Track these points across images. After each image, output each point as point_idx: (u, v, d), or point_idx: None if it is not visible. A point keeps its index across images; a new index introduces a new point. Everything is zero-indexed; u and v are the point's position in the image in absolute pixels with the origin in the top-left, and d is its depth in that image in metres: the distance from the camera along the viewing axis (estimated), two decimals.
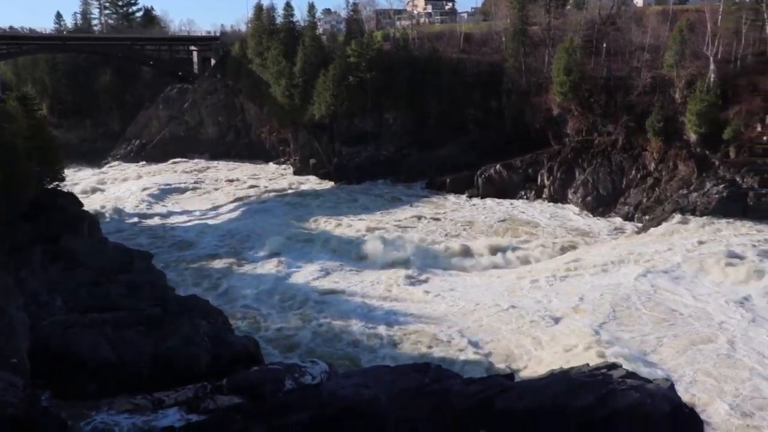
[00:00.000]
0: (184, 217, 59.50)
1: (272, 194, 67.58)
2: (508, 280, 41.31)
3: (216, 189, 70.45)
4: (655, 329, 32.27)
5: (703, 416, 19.76)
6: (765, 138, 51.19)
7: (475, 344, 31.80)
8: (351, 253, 47.58)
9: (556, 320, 33.83)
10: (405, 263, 44.86)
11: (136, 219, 58.76)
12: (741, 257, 40.05)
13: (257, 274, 43.08)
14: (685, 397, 21.00)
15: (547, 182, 61.77)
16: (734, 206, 48.04)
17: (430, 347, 31.84)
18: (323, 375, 22.36)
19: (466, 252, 47.32)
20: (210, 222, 57.39)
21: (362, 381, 19.76)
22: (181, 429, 18.40)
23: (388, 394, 18.15)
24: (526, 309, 35.37)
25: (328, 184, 70.96)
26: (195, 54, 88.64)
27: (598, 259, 42.98)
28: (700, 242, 43.62)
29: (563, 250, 47.30)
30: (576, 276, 40.54)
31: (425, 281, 41.62)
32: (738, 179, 49.85)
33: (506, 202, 60.81)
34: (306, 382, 21.39)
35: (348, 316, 35.50)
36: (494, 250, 47.24)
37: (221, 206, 63.05)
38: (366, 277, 42.39)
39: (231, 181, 73.81)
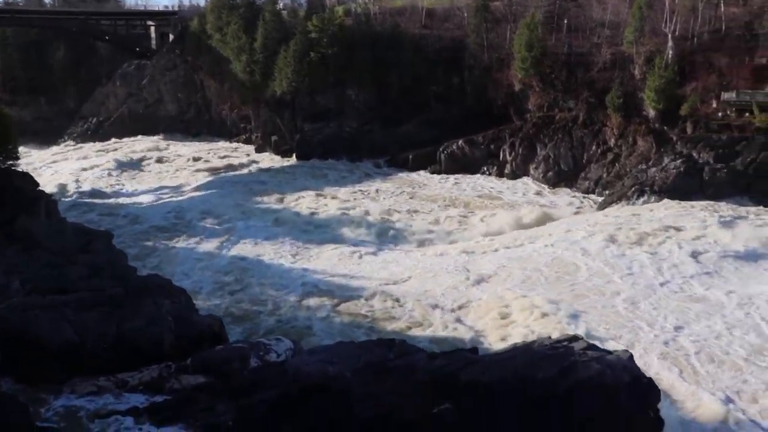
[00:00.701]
0: (138, 195, 58.50)
1: (231, 171, 66.81)
2: (444, 252, 42.38)
3: (173, 166, 69.06)
4: (557, 286, 35.28)
5: None
6: (720, 114, 52.25)
7: (409, 313, 32.82)
8: (304, 229, 47.74)
9: (477, 284, 35.93)
10: (354, 238, 45.61)
11: (87, 197, 57.39)
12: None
13: (204, 250, 42.83)
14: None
15: (509, 158, 62.26)
16: (691, 181, 49.12)
17: (369, 317, 32.52)
18: (288, 352, 22.35)
19: (412, 226, 47.90)
20: (164, 199, 56.66)
21: (327, 357, 19.87)
22: (146, 410, 18.30)
23: (353, 369, 18.28)
24: (451, 277, 37.06)
25: (289, 162, 70.51)
26: (152, 29, 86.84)
27: (527, 234, 44.83)
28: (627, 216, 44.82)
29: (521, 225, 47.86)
30: (503, 248, 42.24)
31: (374, 254, 42.19)
32: (694, 154, 50.87)
33: (473, 178, 61.41)
34: (271, 360, 21.39)
35: (293, 290, 35.79)
36: (436, 224, 48.23)
37: (178, 184, 61.99)
38: (316, 251, 42.64)
39: (189, 158, 72.21)
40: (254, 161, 71.01)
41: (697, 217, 43.85)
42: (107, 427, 17.71)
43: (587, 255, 38.92)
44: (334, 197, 55.86)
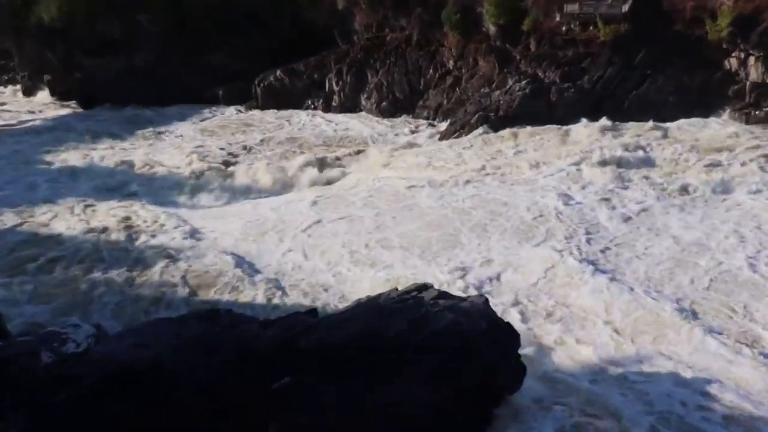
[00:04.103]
0: None
1: None
2: (270, 205, 42.12)
3: None
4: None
5: None
6: (564, 28, 55.44)
7: (231, 279, 31.91)
8: (95, 186, 45.97)
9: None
10: (158, 194, 44.68)
11: None
12: None
13: None
14: None
15: (336, 88, 62.68)
16: (538, 103, 51.96)
17: (185, 285, 31.37)
18: (90, 339, 21.42)
19: (229, 177, 47.54)
20: None
21: (139, 340, 19.25)
22: None
23: (173, 350, 17.88)
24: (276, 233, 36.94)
25: (68, 106, 67.01)
26: None
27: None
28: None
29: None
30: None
31: (184, 210, 41.61)
32: (540, 74, 53.90)
33: (297, 114, 61.09)
34: (69, 351, 20.40)
35: (93, 260, 33.89)
36: (257, 173, 47.85)
37: None
38: (109, 212, 40.59)
39: None
40: (23, 108, 66.50)
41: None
42: None
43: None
44: (129, 146, 54.07)
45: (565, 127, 48.51)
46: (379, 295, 21.81)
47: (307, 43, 65.10)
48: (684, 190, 38.11)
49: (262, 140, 54.46)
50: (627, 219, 34.97)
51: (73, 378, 17.66)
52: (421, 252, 32.61)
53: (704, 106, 49.90)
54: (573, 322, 26.00)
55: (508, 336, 20.31)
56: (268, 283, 30.49)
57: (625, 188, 38.82)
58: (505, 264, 30.93)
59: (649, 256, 30.82)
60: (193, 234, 37.01)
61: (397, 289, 22.53)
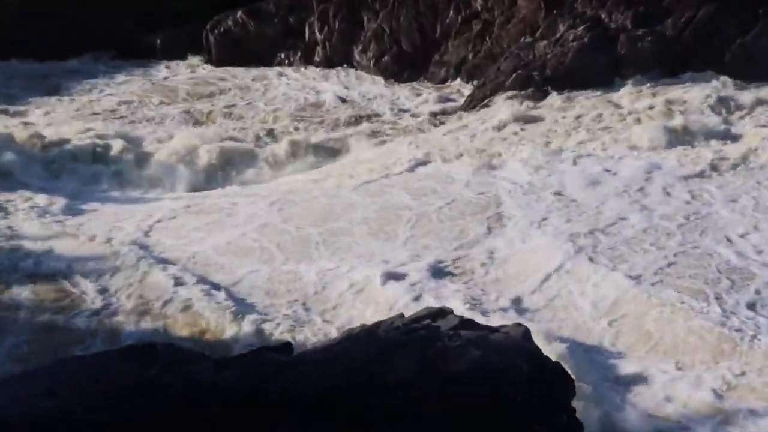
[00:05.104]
0: None
1: None
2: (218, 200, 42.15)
3: None
4: None
5: None
6: None
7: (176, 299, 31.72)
8: None
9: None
10: (65, 182, 44.99)
11: None
12: None
13: None
14: None
15: (320, 36, 62.72)
16: (601, 58, 51.82)
17: (107, 308, 30.84)
18: None
19: (163, 157, 46.98)
20: None
21: (41, 387, 19.24)
22: None
23: (90, 399, 17.94)
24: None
25: None
26: None
27: None
28: None
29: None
30: None
31: (105, 203, 41.37)
32: (604, 16, 53.83)
33: (271, 73, 61.33)
34: None
35: None
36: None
37: None
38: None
39: None
40: None
41: None
42: None
43: None
44: (17, 112, 54.31)
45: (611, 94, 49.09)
46: (378, 324, 21.80)
47: None
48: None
49: (207, 111, 54.55)
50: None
51: None
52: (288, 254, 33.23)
53: None
54: None
55: (557, 381, 20.31)
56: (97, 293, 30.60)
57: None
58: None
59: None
60: (60, 230, 36.91)
61: (402, 316, 22.58)
